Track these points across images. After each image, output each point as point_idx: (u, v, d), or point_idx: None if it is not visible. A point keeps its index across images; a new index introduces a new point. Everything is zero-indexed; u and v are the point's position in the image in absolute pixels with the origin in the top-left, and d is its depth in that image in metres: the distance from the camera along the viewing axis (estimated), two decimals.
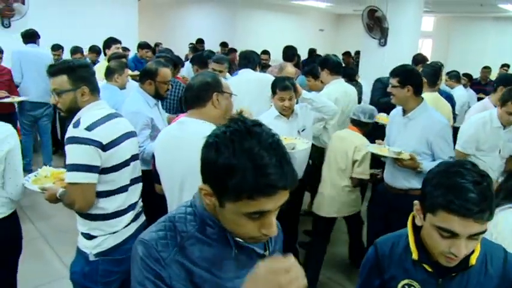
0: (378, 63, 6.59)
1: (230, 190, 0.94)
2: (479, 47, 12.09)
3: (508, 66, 8.84)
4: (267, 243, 1.18)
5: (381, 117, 3.86)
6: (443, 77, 5.52)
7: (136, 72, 5.00)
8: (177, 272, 1.04)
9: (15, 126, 2.72)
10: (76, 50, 6.42)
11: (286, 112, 3.12)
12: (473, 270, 1.31)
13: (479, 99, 6.86)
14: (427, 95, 3.24)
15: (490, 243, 1.40)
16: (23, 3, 6.85)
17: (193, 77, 2.33)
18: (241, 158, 0.93)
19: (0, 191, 2.18)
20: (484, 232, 1.20)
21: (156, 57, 4.87)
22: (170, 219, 1.11)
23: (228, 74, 4.34)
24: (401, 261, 1.39)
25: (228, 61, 4.25)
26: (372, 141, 3.13)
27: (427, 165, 2.64)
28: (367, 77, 5.62)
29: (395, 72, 2.83)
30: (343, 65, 5.29)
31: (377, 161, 3.42)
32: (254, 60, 4.07)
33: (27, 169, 4.65)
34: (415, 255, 1.35)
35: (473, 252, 1.28)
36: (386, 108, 3.69)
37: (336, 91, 3.79)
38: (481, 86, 7.81)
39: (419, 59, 5.08)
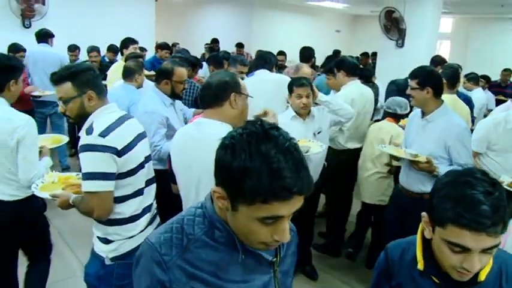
0: (394, 64, 6.52)
1: (244, 193, 0.93)
2: (499, 48, 11.86)
3: None
4: (278, 249, 1.15)
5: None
6: (461, 79, 5.44)
7: (152, 72, 5.03)
8: (178, 276, 1.04)
9: None
10: (93, 49, 6.48)
11: (304, 110, 3.08)
12: (484, 286, 1.21)
13: (498, 101, 6.76)
14: (446, 97, 3.18)
15: (506, 256, 1.30)
16: (43, 3, 6.97)
17: (211, 75, 2.29)
18: (257, 161, 0.91)
19: (15, 176, 2.35)
20: (498, 245, 1.12)
21: (171, 57, 4.90)
22: (178, 221, 1.11)
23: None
24: (410, 269, 1.33)
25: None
26: None
27: (444, 169, 2.58)
28: (383, 78, 5.55)
29: (414, 74, 2.78)
30: (361, 66, 5.25)
31: None
32: (271, 61, 4.07)
33: None
34: (420, 265, 1.29)
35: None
36: None
37: (352, 92, 3.76)
38: (500, 88, 7.70)
39: (438, 60, 5.03)
